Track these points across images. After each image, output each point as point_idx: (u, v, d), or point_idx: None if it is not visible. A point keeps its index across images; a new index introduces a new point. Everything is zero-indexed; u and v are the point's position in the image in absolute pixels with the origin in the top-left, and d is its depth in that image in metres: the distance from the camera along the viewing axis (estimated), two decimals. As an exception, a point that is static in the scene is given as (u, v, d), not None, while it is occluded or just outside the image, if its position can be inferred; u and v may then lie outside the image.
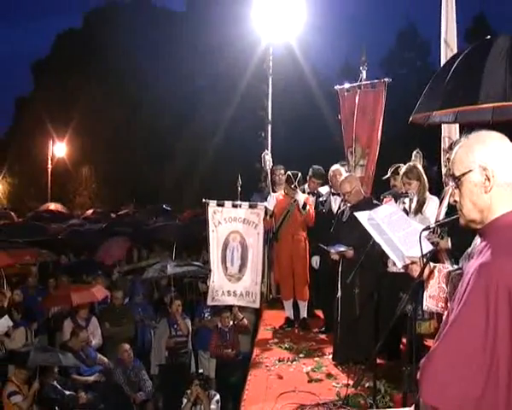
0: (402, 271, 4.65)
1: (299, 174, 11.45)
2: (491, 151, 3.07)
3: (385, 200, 8.99)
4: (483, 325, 2.74)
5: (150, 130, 50.24)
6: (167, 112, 48.48)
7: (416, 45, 53.48)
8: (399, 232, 4.89)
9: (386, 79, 11.60)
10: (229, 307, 12.72)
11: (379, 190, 10.54)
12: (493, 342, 2.71)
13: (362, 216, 5.34)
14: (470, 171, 3.08)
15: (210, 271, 12.37)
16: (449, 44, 10.16)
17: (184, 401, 11.31)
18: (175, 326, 13.20)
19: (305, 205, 11.15)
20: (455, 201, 3.25)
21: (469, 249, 3.34)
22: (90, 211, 40.30)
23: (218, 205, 12.22)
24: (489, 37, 8.61)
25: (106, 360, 12.87)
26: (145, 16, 54.65)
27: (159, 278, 14.74)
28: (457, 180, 3.14)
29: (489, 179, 3.02)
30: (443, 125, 10.15)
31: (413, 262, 4.27)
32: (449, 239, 6.63)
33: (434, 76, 8.50)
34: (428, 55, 50.36)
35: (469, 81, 7.63)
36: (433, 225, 4.50)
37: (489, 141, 3.12)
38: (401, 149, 11.15)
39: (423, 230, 4.16)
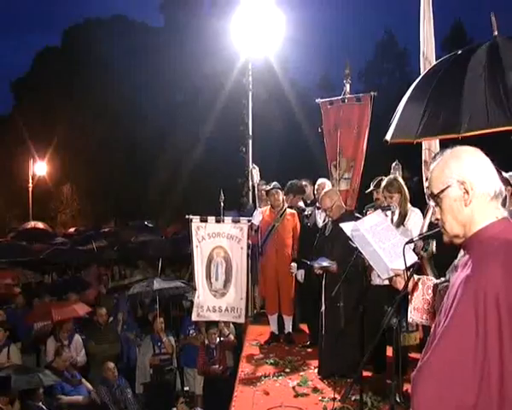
0: (385, 283, 4.66)
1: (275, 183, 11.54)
2: (467, 165, 3.10)
3: (368, 213, 9.02)
4: (473, 334, 2.76)
5: (131, 145, 50.20)
6: (148, 127, 48.45)
7: (394, 55, 53.79)
8: (384, 243, 4.91)
9: (373, 93, 11.65)
10: (216, 324, 12.72)
11: (365, 202, 10.56)
12: (484, 351, 2.73)
13: (347, 227, 5.36)
14: (448, 186, 3.11)
15: (194, 288, 12.35)
16: (427, 57, 10.18)
17: (170, 418, 11.31)
18: (159, 344, 13.23)
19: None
20: (436, 219, 3.28)
21: (455, 262, 3.36)
22: (73, 229, 40.19)
23: (202, 221, 12.20)
24: (465, 48, 8.57)
25: (89, 385, 12.76)
26: (124, 32, 54.63)
27: (145, 294, 14.70)
28: (437, 198, 3.17)
29: (468, 192, 3.05)
30: (423, 143, 10.18)
31: (397, 275, 4.28)
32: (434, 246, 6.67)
33: (410, 96, 8.41)
34: (407, 65, 50.69)
35: (449, 107, 7.55)
36: (416, 238, 4.49)
37: (464, 155, 3.16)
38: (382, 160, 11.17)
39: (407, 243, 4.17)
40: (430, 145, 9.94)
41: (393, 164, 10.36)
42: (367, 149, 11.59)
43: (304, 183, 12.59)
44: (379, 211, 6.00)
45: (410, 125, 7.99)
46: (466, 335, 2.79)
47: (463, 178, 3.07)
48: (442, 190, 3.13)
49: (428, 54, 10.23)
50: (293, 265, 11.07)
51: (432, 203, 3.27)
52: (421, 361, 3.00)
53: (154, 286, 13.95)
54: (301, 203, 12.11)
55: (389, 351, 8.17)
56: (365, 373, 8.21)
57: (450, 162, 3.16)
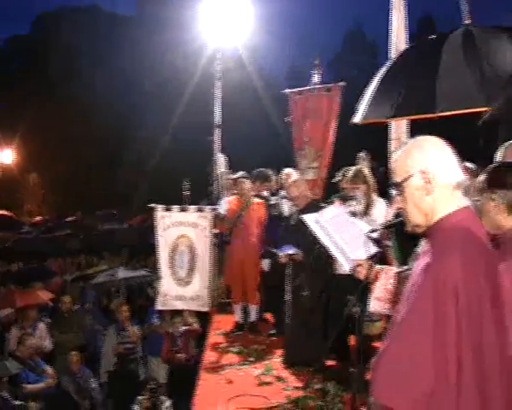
0: (349, 273, 4.67)
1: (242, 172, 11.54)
2: (429, 155, 3.15)
3: (334, 202, 9.04)
4: (431, 322, 2.81)
5: (99, 135, 49.88)
6: (116, 117, 48.19)
7: (363, 47, 53.89)
8: (345, 234, 4.93)
9: (341, 83, 11.67)
10: (180, 312, 12.69)
11: (332, 192, 10.58)
12: (442, 339, 2.78)
13: (309, 219, 5.36)
14: (411, 176, 3.15)
15: (159, 277, 12.32)
16: (398, 48, 10.20)
17: (135, 407, 11.27)
18: (123, 332, 13.16)
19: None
20: (399, 208, 3.31)
21: (418, 250, 3.38)
22: (38, 218, 39.91)
23: (166, 210, 12.17)
24: (438, 33, 8.58)
25: (53, 373, 12.67)
26: (94, 21, 54.27)
27: (109, 283, 14.66)
28: (399, 186, 3.21)
29: (429, 182, 3.09)
30: (392, 127, 10.20)
31: (359, 264, 4.29)
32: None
33: (381, 79, 8.42)
34: (376, 57, 50.75)
35: (424, 88, 7.57)
36: (380, 227, 4.52)
37: (426, 145, 3.19)
38: (350, 149, 11.20)
39: (370, 232, 4.18)
40: (399, 135, 9.98)
41: (360, 154, 10.39)
42: (335, 139, 11.62)
43: (269, 172, 12.60)
44: (337, 203, 6.03)
45: (382, 107, 8.00)
46: (424, 324, 2.83)
47: (425, 168, 3.11)
48: (404, 180, 3.17)
49: (399, 45, 10.26)
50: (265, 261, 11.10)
51: (395, 192, 3.30)
52: (381, 349, 3.03)
53: (118, 275, 13.95)
54: (266, 193, 12.11)
55: (353, 340, 8.22)
56: (329, 362, 8.25)
57: (412, 152, 3.19)
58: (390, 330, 3.10)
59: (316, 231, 5.19)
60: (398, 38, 10.32)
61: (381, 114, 8.11)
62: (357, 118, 8.49)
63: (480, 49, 7.37)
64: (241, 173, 11.63)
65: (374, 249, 4.41)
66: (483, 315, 2.85)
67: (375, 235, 4.39)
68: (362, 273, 4.22)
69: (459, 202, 3.13)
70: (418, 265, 3.10)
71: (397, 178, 3.23)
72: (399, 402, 2.84)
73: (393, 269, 4.30)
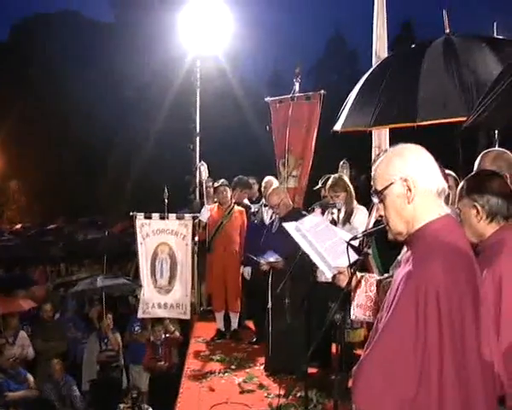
0: (331, 280, 4.68)
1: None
2: (410, 162, 3.15)
3: (315, 210, 9.06)
4: (413, 328, 2.81)
5: (81, 142, 49.73)
6: (97, 123, 48.05)
7: (344, 53, 54.06)
8: (325, 243, 4.94)
9: (322, 92, 11.71)
10: (161, 320, 12.69)
11: (313, 200, 10.60)
12: (424, 345, 2.79)
13: (290, 227, 5.37)
14: (392, 183, 3.15)
15: (140, 285, 12.32)
16: (379, 56, 10.24)
17: (117, 415, 11.27)
18: (105, 341, 13.15)
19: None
20: (380, 215, 3.32)
21: (399, 257, 3.40)
22: (19, 225, 39.74)
23: (146, 217, 12.20)
24: (419, 42, 8.64)
25: (33, 382, 12.64)
26: (74, 27, 54.12)
27: (89, 292, 14.60)
28: (380, 194, 3.21)
29: (410, 190, 3.10)
30: (373, 135, 10.23)
31: (340, 272, 4.30)
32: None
33: (361, 87, 8.46)
34: (357, 63, 50.90)
35: (404, 97, 7.60)
36: (360, 235, 4.53)
37: (407, 153, 3.20)
38: (331, 158, 11.24)
39: (350, 239, 4.20)
40: (380, 143, 10.02)
41: (341, 162, 10.43)
42: (316, 147, 11.65)
43: (251, 181, 12.62)
44: (317, 212, 6.06)
45: (362, 115, 8.03)
46: (406, 330, 2.84)
47: (406, 176, 3.11)
48: (385, 187, 3.17)
49: (381, 52, 10.30)
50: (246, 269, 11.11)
51: (376, 200, 3.31)
52: (362, 356, 3.04)
53: (97, 284, 13.88)
54: (246, 201, 12.12)
55: (335, 348, 8.22)
56: (311, 370, 8.23)
57: (393, 160, 3.20)
58: (372, 338, 3.11)
59: (297, 239, 5.20)
60: (380, 45, 10.37)
61: (362, 122, 8.14)
62: (338, 126, 8.52)
63: (461, 58, 7.43)
64: (222, 181, 11.63)
65: (355, 257, 4.42)
66: (465, 321, 2.86)
67: (355, 243, 4.41)
68: (343, 281, 4.21)
69: (440, 209, 3.14)
70: (400, 272, 3.12)
71: (378, 186, 3.22)
72: (381, 408, 2.85)
73: (374, 276, 4.32)
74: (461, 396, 2.83)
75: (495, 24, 12.83)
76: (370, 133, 9.99)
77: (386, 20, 10.45)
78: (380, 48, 10.38)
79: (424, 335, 2.80)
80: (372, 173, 3.31)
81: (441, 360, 2.79)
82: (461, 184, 4.21)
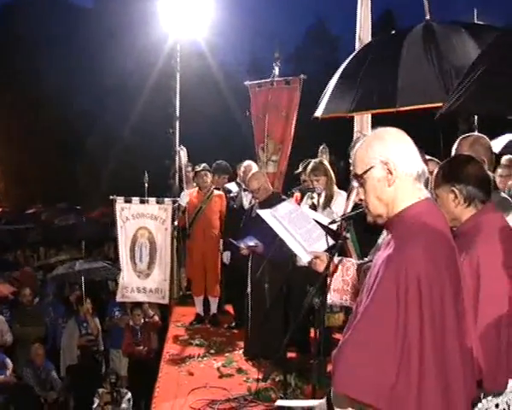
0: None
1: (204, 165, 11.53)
2: (390, 146, 3.15)
3: (294, 195, 9.06)
4: (394, 313, 2.82)
5: (60, 127, 49.39)
6: (77, 109, 47.74)
7: (324, 41, 53.90)
8: (301, 229, 4.94)
9: (302, 76, 11.71)
10: (140, 305, 12.68)
11: (292, 185, 10.60)
12: (404, 329, 2.80)
13: (265, 214, 5.36)
14: (372, 167, 3.15)
15: (119, 269, 12.30)
16: (363, 41, 10.22)
17: (96, 400, 11.24)
18: (84, 325, 13.11)
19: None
20: (360, 199, 3.32)
21: (379, 241, 3.41)
22: (-2, 210, 39.55)
23: (126, 201, 12.19)
24: (399, 29, 8.65)
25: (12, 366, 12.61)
26: (52, 12, 53.64)
27: (68, 276, 14.56)
28: (361, 178, 3.22)
29: (391, 173, 3.11)
30: (355, 121, 10.23)
31: (317, 257, 4.30)
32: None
33: (342, 73, 8.45)
34: (339, 49, 50.77)
35: (384, 82, 7.61)
36: (339, 219, 4.54)
37: (387, 136, 3.21)
38: (311, 143, 11.24)
39: (329, 223, 4.20)
40: (362, 128, 10.02)
41: (321, 147, 10.43)
42: (295, 133, 11.66)
43: (228, 165, 12.59)
44: (290, 199, 6.04)
45: (343, 101, 8.03)
46: (387, 313, 2.85)
47: (387, 159, 3.11)
48: (366, 171, 3.17)
49: (364, 38, 10.30)
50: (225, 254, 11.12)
51: (356, 184, 3.31)
52: (342, 340, 3.04)
53: (75, 267, 13.85)
54: (233, 185, 12.06)
55: (314, 332, 8.24)
56: (290, 354, 8.27)
57: (373, 143, 3.20)
58: (351, 322, 3.11)
59: (273, 225, 5.19)
60: (364, 31, 10.36)
61: (342, 108, 8.14)
62: (319, 112, 8.52)
63: (441, 44, 7.44)
64: (203, 166, 11.60)
65: (332, 242, 4.43)
66: (445, 305, 2.87)
67: (333, 227, 4.41)
68: (320, 266, 4.21)
69: (420, 193, 3.15)
70: (380, 256, 3.13)
71: (358, 170, 3.22)
72: (361, 392, 2.84)
73: (351, 261, 4.33)
74: (440, 382, 2.84)
75: (475, 10, 12.88)
76: (351, 119, 10.00)
77: (370, 6, 10.45)
78: (363, 34, 10.38)
79: (404, 320, 2.80)
80: (352, 158, 3.31)
81: (421, 345, 2.80)
82: (436, 170, 4.22)
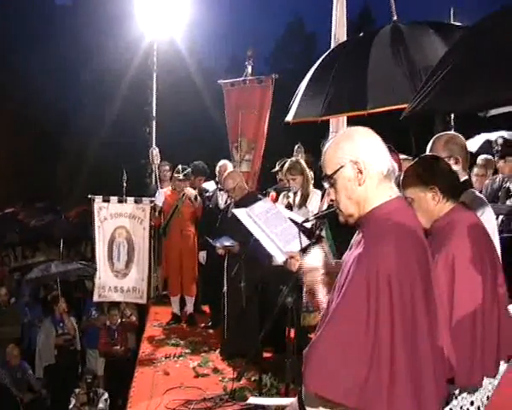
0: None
1: (189, 169, 11.44)
2: (360, 145, 3.15)
3: (270, 194, 9.08)
4: (364, 311, 2.82)
5: (37, 126, 49.15)
6: (54, 108, 47.50)
7: (302, 39, 53.96)
8: (276, 228, 4.95)
9: (274, 75, 11.73)
10: (117, 305, 12.65)
11: (268, 184, 10.60)
12: (375, 327, 2.80)
13: (240, 213, 5.36)
14: (342, 167, 3.15)
15: (95, 269, 12.26)
16: (339, 40, 10.20)
17: (73, 400, 11.21)
18: (61, 324, 13.06)
19: (196, 197, 11.17)
20: (331, 200, 3.32)
21: (352, 241, 3.41)
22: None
23: (104, 201, 12.17)
24: (368, 31, 8.66)
25: None
26: (29, 10, 53.34)
27: (43, 278, 14.49)
28: (331, 178, 3.21)
29: (361, 172, 3.11)
30: (331, 121, 10.23)
31: (291, 256, 4.30)
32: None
33: (312, 76, 8.44)
34: (316, 48, 50.79)
35: (354, 85, 7.60)
36: (312, 218, 4.54)
37: (356, 135, 3.21)
38: (288, 142, 11.26)
39: (302, 222, 4.20)
40: (338, 129, 10.01)
41: (296, 147, 10.45)
42: (269, 131, 11.68)
43: (204, 165, 12.56)
44: (266, 198, 6.03)
45: (313, 105, 8.01)
46: (358, 311, 2.84)
47: (356, 158, 3.11)
48: (336, 171, 3.17)
49: (340, 36, 10.28)
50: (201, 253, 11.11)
51: (326, 185, 3.31)
52: (313, 338, 3.04)
53: (51, 270, 13.78)
54: (211, 185, 12.00)
55: (289, 331, 8.24)
56: (266, 354, 8.26)
57: (342, 143, 3.20)
58: (322, 320, 3.11)
59: (248, 225, 5.18)
60: (339, 30, 10.36)
61: (312, 112, 8.10)
62: (289, 116, 8.51)
63: (409, 44, 7.45)
64: (187, 171, 11.48)
65: (306, 241, 4.42)
66: (416, 304, 2.88)
67: (307, 225, 4.41)
68: (294, 265, 4.22)
69: (391, 191, 3.16)
70: (350, 255, 3.13)
71: (328, 171, 3.22)
72: (332, 391, 2.84)
73: (327, 260, 4.32)
74: (411, 378, 2.84)
75: (451, 9, 12.92)
76: (328, 120, 10.00)
77: (345, 4, 10.44)
78: (339, 32, 10.37)
79: (375, 318, 2.80)
80: (321, 158, 3.31)
81: (392, 344, 2.80)
82: (408, 172, 4.23)
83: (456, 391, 3.82)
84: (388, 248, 2.90)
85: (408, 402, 2.83)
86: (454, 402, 3.84)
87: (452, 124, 12.35)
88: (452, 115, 12.17)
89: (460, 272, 3.79)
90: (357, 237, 3.26)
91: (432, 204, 4.05)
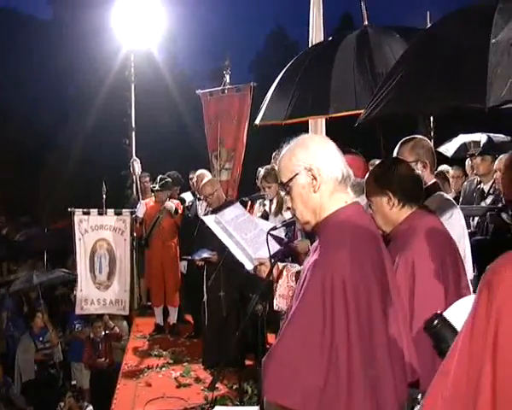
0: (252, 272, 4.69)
1: (169, 179, 11.45)
2: (314, 152, 3.18)
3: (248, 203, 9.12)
4: (320, 317, 2.84)
5: (18, 141, 49.02)
6: (35, 122, 47.40)
7: (284, 47, 54.05)
8: (247, 234, 4.94)
9: (252, 83, 11.78)
10: (101, 317, 12.63)
11: (248, 192, 10.62)
12: (331, 333, 2.81)
13: (209, 220, 5.35)
14: (297, 174, 3.17)
15: (75, 275, 12.27)
16: (316, 45, 10.26)
17: (57, 415, 11.21)
18: (40, 339, 13.03)
19: (176, 210, 11.17)
20: (288, 207, 3.35)
21: (311, 248, 3.43)
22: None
23: (84, 213, 12.14)
24: (336, 35, 8.69)
25: None
26: (10, 25, 53.21)
27: (26, 290, 14.46)
28: (286, 186, 3.23)
29: (315, 178, 3.13)
30: (310, 125, 10.24)
31: (261, 263, 4.31)
32: (308, 241, 6.71)
33: (279, 80, 8.46)
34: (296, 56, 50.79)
35: (317, 89, 7.63)
36: (280, 225, 4.55)
37: (310, 142, 3.24)
38: (269, 150, 11.28)
39: (270, 230, 4.21)
40: (316, 132, 10.04)
41: (273, 154, 10.46)
42: (251, 138, 11.71)
43: (180, 176, 12.58)
44: (237, 204, 6.03)
45: (279, 108, 8.04)
46: (314, 318, 2.86)
47: (310, 165, 3.14)
48: (291, 179, 3.19)
49: (317, 40, 10.32)
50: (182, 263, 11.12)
51: (283, 193, 3.34)
52: (272, 346, 3.06)
53: (33, 281, 13.75)
54: (188, 195, 12.02)
55: (271, 338, 8.25)
56: (248, 362, 8.28)
57: (296, 151, 3.22)
58: (281, 328, 3.13)
59: (216, 231, 5.18)
60: (316, 35, 10.38)
61: (277, 115, 8.14)
62: (257, 119, 8.55)
63: (373, 50, 7.50)
64: (163, 182, 11.49)
65: (276, 247, 4.44)
66: (372, 308, 2.90)
67: (275, 232, 4.42)
68: (264, 272, 4.23)
69: (347, 197, 3.18)
70: (308, 262, 3.15)
71: (283, 178, 3.25)
72: (290, 398, 2.85)
73: (296, 266, 4.34)
74: (370, 382, 2.85)
75: (428, 13, 12.98)
76: (307, 123, 10.02)
77: (322, 10, 10.47)
78: (316, 38, 10.40)
79: (331, 325, 2.81)
80: (276, 166, 3.33)
81: (349, 349, 2.81)
82: (367, 176, 4.26)
83: (419, 396, 3.84)
84: (342, 253, 2.92)
85: (367, 405, 2.84)
86: (418, 407, 3.86)
87: (432, 127, 12.42)
88: (432, 118, 12.24)
89: (420, 277, 3.80)
90: (314, 243, 3.29)
91: (387, 208, 4.06)
